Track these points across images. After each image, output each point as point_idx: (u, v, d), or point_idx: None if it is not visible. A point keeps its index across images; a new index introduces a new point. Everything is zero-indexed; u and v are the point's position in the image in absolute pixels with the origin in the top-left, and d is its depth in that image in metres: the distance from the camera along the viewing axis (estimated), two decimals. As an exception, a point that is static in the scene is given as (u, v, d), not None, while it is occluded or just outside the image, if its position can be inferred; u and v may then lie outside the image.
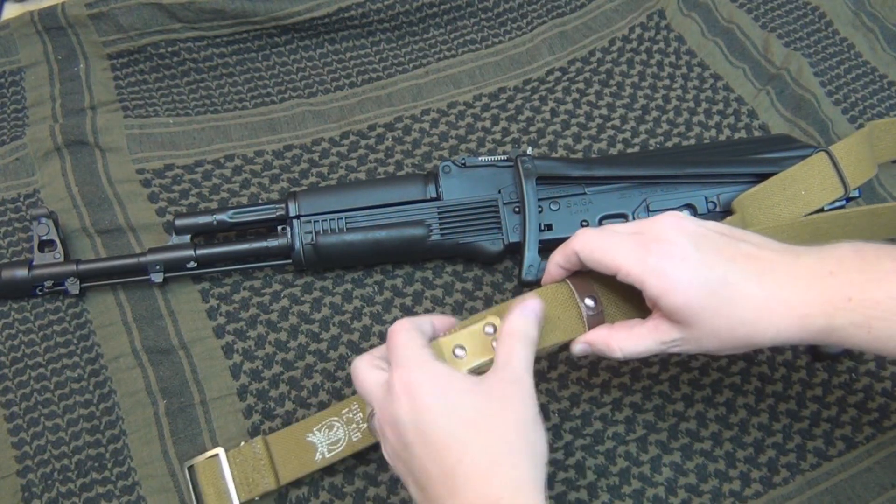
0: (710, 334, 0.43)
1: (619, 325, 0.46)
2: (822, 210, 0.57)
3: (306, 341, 0.59)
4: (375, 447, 0.53)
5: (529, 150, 0.60)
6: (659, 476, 0.54)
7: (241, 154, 0.67)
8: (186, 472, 0.52)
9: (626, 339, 0.45)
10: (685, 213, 0.46)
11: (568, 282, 0.48)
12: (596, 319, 0.47)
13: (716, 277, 0.42)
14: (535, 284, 0.60)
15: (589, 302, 0.47)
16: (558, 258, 0.47)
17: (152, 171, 0.66)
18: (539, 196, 0.58)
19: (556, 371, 0.58)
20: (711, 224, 0.45)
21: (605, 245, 0.44)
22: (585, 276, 0.48)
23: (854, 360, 0.59)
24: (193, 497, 0.52)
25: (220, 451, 0.52)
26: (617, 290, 0.47)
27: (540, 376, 0.58)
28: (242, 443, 0.53)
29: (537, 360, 0.54)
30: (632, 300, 0.47)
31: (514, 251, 0.59)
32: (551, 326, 0.46)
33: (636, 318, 0.46)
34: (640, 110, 0.71)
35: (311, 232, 0.58)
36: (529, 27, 0.76)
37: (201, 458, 0.52)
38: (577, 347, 0.47)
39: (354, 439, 0.51)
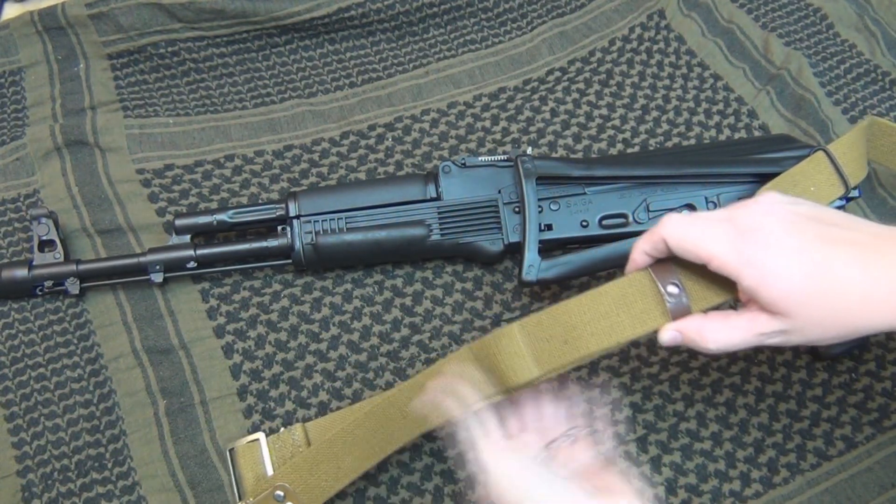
0: (813, 324, 0.40)
1: (714, 314, 0.43)
2: None
3: (306, 341, 0.59)
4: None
5: (529, 150, 0.60)
6: (659, 476, 0.54)
7: (241, 154, 0.67)
8: (228, 454, 0.53)
9: (721, 331, 0.42)
10: (778, 197, 0.43)
11: (649, 269, 0.45)
12: (680, 308, 0.44)
13: (815, 265, 0.40)
14: (534, 284, 0.60)
15: (672, 289, 0.44)
16: (644, 245, 0.45)
17: (152, 171, 0.66)
18: (539, 196, 0.58)
19: (556, 371, 0.58)
20: (803, 207, 0.42)
21: (696, 233, 0.42)
22: (667, 262, 0.45)
23: (854, 360, 0.59)
24: (234, 480, 0.52)
25: (260, 435, 0.52)
26: (702, 276, 0.44)
27: (540, 376, 0.58)
28: (282, 429, 0.53)
29: (611, 355, 0.57)
30: (719, 287, 0.44)
31: (514, 251, 0.59)
32: (631, 318, 0.44)
33: (731, 310, 0.43)
34: (640, 110, 0.71)
35: (311, 232, 0.58)
36: (529, 27, 0.76)
37: (242, 441, 0.53)
38: (667, 335, 0.44)
39: None
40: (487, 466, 0.43)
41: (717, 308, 0.44)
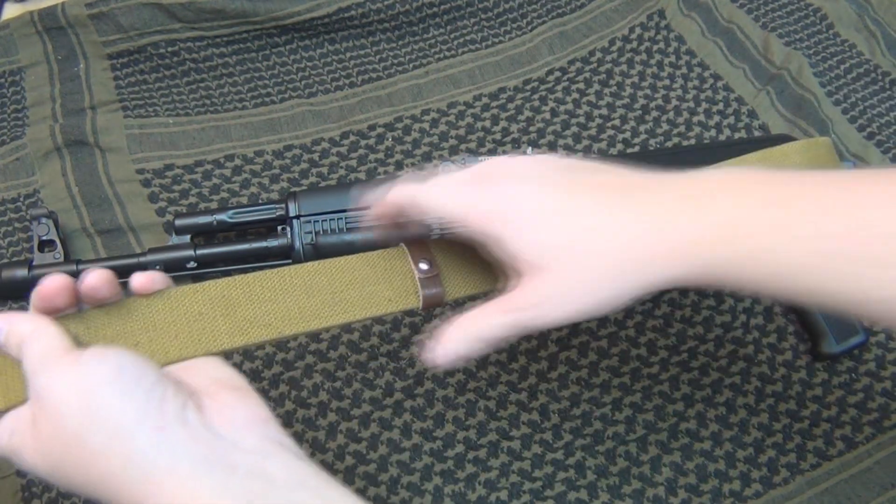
0: (569, 283, 0.35)
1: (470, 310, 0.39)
2: None
3: (306, 341, 0.59)
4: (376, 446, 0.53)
5: (529, 150, 0.60)
6: (659, 476, 0.54)
7: (241, 154, 0.67)
8: None
9: (474, 320, 0.38)
10: (523, 155, 0.40)
11: (403, 245, 0.43)
12: (430, 283, 0.42)
13: (558, 209, 0.36)
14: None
15: (423, 266, 0.42)
16: (378, 210, 0.42)
17: (152, 171, 0.66)
18: (539, 196, 0.58)
19: (556, 371, 0.58)
20: (549, 159, 0.39)
21: (432, 194, 0.39)
22: (423, 242, 0.44)
23: (854, 360, 0.59)
24: None
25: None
26: (457, 255, 0.43)
27: (540, 376, 0.58)
28: None
29: (610, 355, 0.54)
30: (474, 265, 0.43)
31: (514, 251, 0.59)
32: (388, 292, 0.42)
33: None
34: (640, 110, 0.71)
35: (311, 232, 0.58)
36: (529, 27, 0.76)
37: None
38: (441, 355, 0.39)
39: None
40: (39, 381, 0.32)
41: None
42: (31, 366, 0.32)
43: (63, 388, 0.31)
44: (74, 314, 0.37)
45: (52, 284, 0.35)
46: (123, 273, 0.58)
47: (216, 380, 0.35)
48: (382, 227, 0.44)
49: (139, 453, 0.29)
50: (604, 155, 0.68)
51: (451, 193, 0.39)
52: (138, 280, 0.37)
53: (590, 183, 0.37)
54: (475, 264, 0.42)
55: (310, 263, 0.42)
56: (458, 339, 0.38)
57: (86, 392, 0.30)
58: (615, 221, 0.35)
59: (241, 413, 0.33)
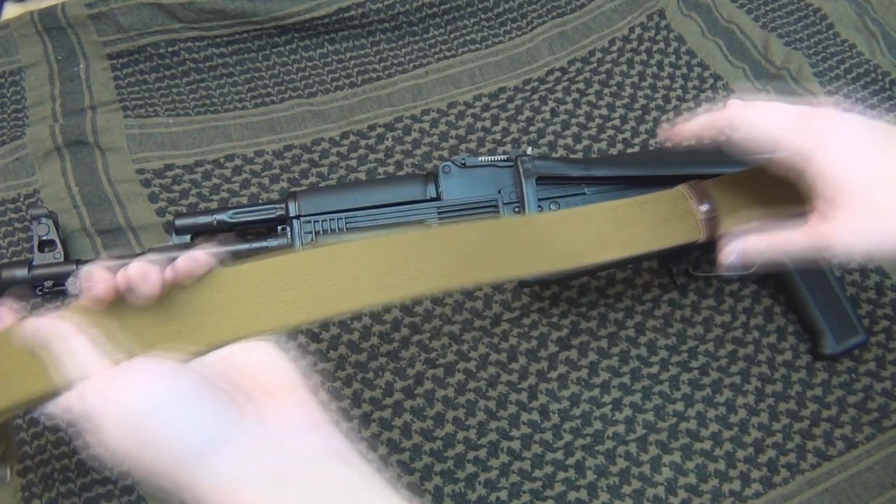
0: (875, 220, 0.38)
1: (769, 228, 0.43)
2: None
3: (306, 341, 0.59)
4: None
5: (529, 150, 0.60)
6: (659, 476, 0.54)
7: (241, 154, 0.67)
8: None
9: (780, 235, 0.42)
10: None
11: (683, 188, 0.49)
12: (711, 224, 0.48)
13: (875, 145, 0.38)
14: (534, 284, 0.60)
15: (704, 207, 0.48)
16: (705, 120, 0.44)
17: (152, 171, 0.66)
18: (539, 196, 0.58)
19: (556, 371, 0.58)
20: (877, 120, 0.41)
21: (765, 112, 0.41)
22: (699, 184, 0.49)
23: (854, 360, 0.59)
24: None
25: None
26: (736, 195, 0.48)
27: (540, 376, 0.58)
28: None
29: (610, 355, 0.57)
30: (752, 205, 0.47)
31: (514, 251, 0.59)
32: (672, 228, 0.47)
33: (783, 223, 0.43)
34: (640, 110, 0.71)
35: (311, 232, 0.58)
36: (529, 27, 0.76)
37: None
38: (731, 258, 0.44)
39: None
40: (95, 403, 0.32)
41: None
42: (79, 376, 0.33)
43: (110, 417, 0.31)
44: (116, 307, 0.36)
45: (101, 281, 0.35)
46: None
47: (272, 376, 0.35)
48: (695, 134, 0.46)
49: (198, 475, 0.30)
50: (603, 155, 0.68)
51: (772, 112, 0.41)
52: (182, 265, 0.36)
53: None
54: (750, 202, 0.47)
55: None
56: (761, 247, 0.43)
57: (154, 407, 0.31)
58: None
59: (295, 418, 0.33)
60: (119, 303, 0.36)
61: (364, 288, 0.38)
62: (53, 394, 0.34)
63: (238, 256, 0.59)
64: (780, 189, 0.45)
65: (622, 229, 0.47)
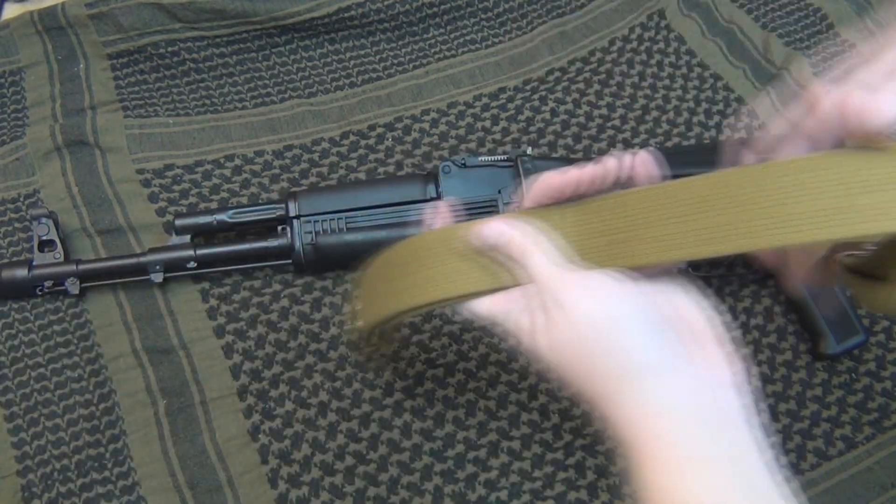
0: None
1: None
2: None
3: (306, 341, 0.59)
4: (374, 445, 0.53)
5: (529, 150, 0.60)
6: (659, 476, 0.54)
7: (241, 154, 0.67)
8: None
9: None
10: None
11: None
12: None
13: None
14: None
15: None
16: (797, 111, 0.35)
17: (152, 171, 0.66)
18: (539, 196, 0.58)
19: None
20: None
21: (877, 101, 0.31)
22: None
23: (854, 360, 0.59)
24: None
25: None
26: None
27: (540, 376, 0.58)
28: None
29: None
30: None
31: (514, 251, 0.59)
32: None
33: None
34: (640, 110, 0.71)
35: (311, 232, 0.58)
36: (529, 27, 0.76)
37: None
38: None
39: None
40: (556, 295, 0.34)
41: None
42: (540, 277, 0.35)
43: (591, 309, 0.33)
44: (560, 211, 0.37)
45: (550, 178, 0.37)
46: (124, 273, 0.58)
47: (702, 324, 0.35)
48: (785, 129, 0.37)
49: (645, 390, 0.32)
50: (603, 155, 0.68)
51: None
52: (635, 166, 0.37)
53: None
54: None
55: None
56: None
57: (615, 320, 0.33)
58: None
59: (726, 376, 0.33)
60: (558, 208, 0.37)
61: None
62: (496, 289, 0.38)
63: (238, 256, 0.59)
64: None
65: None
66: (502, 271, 0.38)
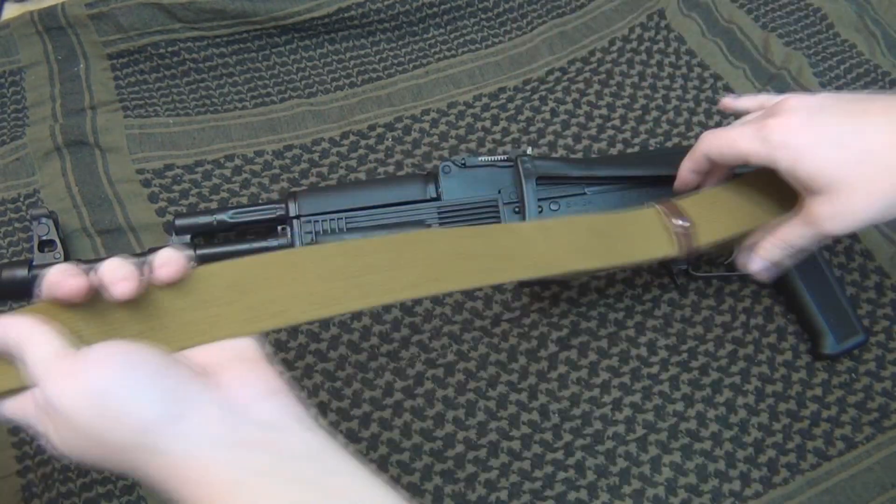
0: (857, 193, 0.42)
1: (768, 229, 0.47)
2: None
3: (306, 341, 0.59)
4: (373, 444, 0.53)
5: (529, 150, 0.60)
6: (659, 476, 0.54)
7: (241, 154, 0.67)
8: None
9: (784, 232, 0.46)
10: (799, 95, 0.46)
11: (656, 206, 0.50)
12: (686, 238, 0.49)
13: (843, 132, 0.42)
14: (535, 284, 0.60)
15: (679, 222, 0.49)
16: (688, 164, 0.50)
17: (152, 171, 0.66)
18: (539, 196, 0.58)
19: (556, 371, 0.58)
20: (823, 95, 0.45)
21: (729, 139, 0.46)
22: (672, 202, 0.50)
23: (854, 360, 0.59)
24: None
25: None
26: (710, 210, 0.50)
27: (540, 376, 0.58)
28: None
29: (610, 355, 0.58)
30: (727, 218, 0.50)
31: (514, 251, 0.59)
32: (648, 243, 0.49)
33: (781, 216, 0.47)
34: (640, 110, 0.71)
35: (311, 232, 0.58)
36: (529, 27, 0.76)
37: None
38: (757, 267, 0.49)
39: None
40: (46, 391, 0.31)
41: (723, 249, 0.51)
42: (34, 372, 0.32)
43: (73, 398, 0.31)
44: (85, 307, 0.35)
45: (58, 276, 0.33)
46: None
47: (230, 352, 0.35)
48: (695, 176, 0.51)
49: (160, 445, 0.30)
50: (603, 155, 0.68)
51: (741, 134, 0.45)
52: (164, 273, 0.35)
53: (874, 109, 0.42)
54: (722, 214, 0.50)
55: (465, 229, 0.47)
56: (772, 248, 0.47)
57: (97, 397, 0.30)
58: (890, 140, 0.41)
59: (255, 387, 0.33)
60: (88, 300, 0.34)
61: (331, 296, 0.38)
62: (13, 391, 0.34)
63: (238, 256, 0.59)
64: (755, 200, 0.50)
65: (602, 239, 0.48)
66: (11, 369, 0.33)
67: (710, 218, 0.50)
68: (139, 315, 0.35)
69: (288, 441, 0.32)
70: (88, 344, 0.33)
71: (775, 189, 0.48)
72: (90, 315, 0.34)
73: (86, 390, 0.31)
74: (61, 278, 0.33)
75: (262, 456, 0.31)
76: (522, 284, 0.59)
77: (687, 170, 0.51)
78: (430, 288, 0.40)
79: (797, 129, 0.43)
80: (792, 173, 0.43)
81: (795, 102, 0.44)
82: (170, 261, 0.35)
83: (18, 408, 0.34)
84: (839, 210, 0.43)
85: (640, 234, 0.49)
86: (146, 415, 0.30)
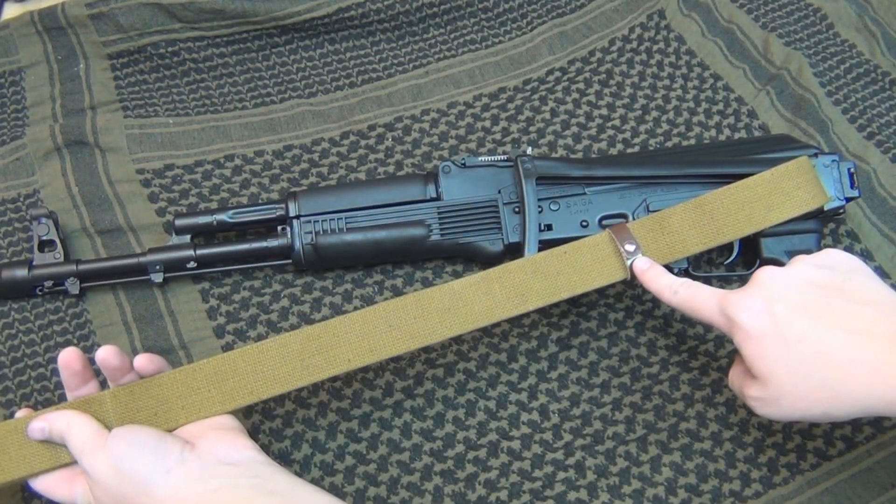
0: (789, 394, 0.42)
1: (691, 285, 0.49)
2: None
3: (306, 341, 0.59)
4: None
5: (529, 150, 0.60)
6: (659, 476, 0.54)
7: (241, 154, 0.67)
8: None
9: (689, 295, 0.48)
10: (805, 264, 0.45)
11: (607, 232, 0.53)
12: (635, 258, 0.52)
13: (793, 331, 0.42)
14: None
15: (629, 246, 0.52)
16: (666, 284, 0.50)
17: (152, 171, 0.66)
18: (539, 196, 0.58)
19: (557, 371, 0.58)
20: (826, 275, 0.44)
21: (695, 303, 0.47)
22: (624, 226, 0.54)
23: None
24: None
25: None
26: (661, 234, 0.54)
27: (540, 376, 0.58)
28: None
29: (610, 355, 0.59)
30: (675, 240, 0.54)
31: (514, 251, 0.59)
32: (596, 271, 0.52)
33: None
34: (640, 110, 0.71)
35: (311, 232, 0.58)
36: (529, 27, 0.76)
37: None
38: (639, 262, 0.52)
39: None
40: (92, 460, 0.44)
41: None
42: (75, 451, 0.45)
43: (101, 466, 0.44)
44: (98, 397, 0.47)
45: (71, 363, 0.48)
46: (124, 273, 0.58)
47: (210, 425, 0.47)
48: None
49: (155, 491, 0.42)
50: (603, 155, 0.68)
51: (700, 298, 0.47)
52: (138, 363, 0.48)
53: (840, 310, 0.42)
54: (669, 237, 0.54)
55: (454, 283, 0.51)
56: (670, 291, 0.49)
57: (114, 464, 0.43)
58: (845, 351, 0.41)
59: (225, 446, 0.45)
60: (110, 393, 0.47)
61: (287, 374, 0.48)
62: (57, 466, 0.47)
63: (238, 256, 0.59)
64: (704, 222, 0.54)
65: (542, 280, 0.51)
66: (59, 450, 0.47)
67: (657, 240, 0.53)
68: (149, 404, 0.47)
69: (239, 470, 0.44)
70: (113, 426, 0.46)
71: (727, 212, 0.53)
72: (113, 405, 0.47)
73: (110, 459, 0.44)
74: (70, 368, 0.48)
75: (219, 480, 0.43)
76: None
77: (666, 287, 0.51)
78: (365, 359, 0.49)
79: (754, 312, 0.43)
80: (739, 349, 0.44)
81: (768, 281, 0.45)
82: (144, 366, 0.49)
83: (52, 485, 0.47)
84: (766, 401, 0.44)
85: (588, 264, 0.52)
86: (144, 470, 0.43)
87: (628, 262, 0.52)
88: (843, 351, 0.40)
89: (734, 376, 0.47)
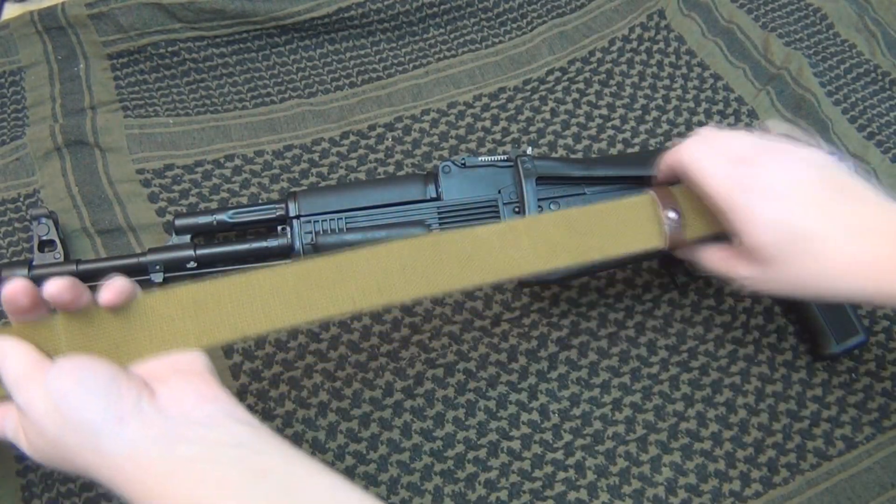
0: (784, 280, 0.43)
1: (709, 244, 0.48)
2: None
3: (306, 341, 0.59)
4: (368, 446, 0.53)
5: (529, 150, 0.60)
6: (659, 476, 0.54)
7: (241, 154, 0.67)
8: None
9: (707, 252, 0.48)
10: (815, 152, 0.44)
11: (651, 193, 0.49)
12: (676, 231, 0.48)
13: (801, 227, 0.41)
14: (535, 284, 0.60)
15: (671, 214, 0.48)
16: (668, 160, 0.49)
17: (152, 171, 0.66)
18: (539, 196, 0.58)
19: (556, 371, 0.58)
20: (832, 172, 0.43)
21: (703, 169, 0.45)
22: (669, 190, 0.49)
23: (854, 360, 0.59)
24: None
25: None
26: (700, 207, 0.48)
27: (540, 376, 0.58)
28: None
29: (610, 355, 0.57)
30: (713, 220, 0.48)
31: (514, 251, 0.59)
32: (633, 235, 0.48)
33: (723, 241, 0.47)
34: (640, 110, 0.71)
35: (311, 232, 0.58)
36: (529, 27, 0.76)
37: None
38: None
39: None
40: (18, 398, 0.37)
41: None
42: (8, 383, 0.37)
43: (38, 404, 0.36)
44: (48, 321, 0.39)
45: (11, 288, 0.38)
46: (124, 273, 0.58)
47: (172, 367, 0.39)
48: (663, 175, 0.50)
49: (105, 445, 0.35)
50: (603, 155, 0.68)
51: (711, 163, 0.44)
52: (105, 297, 0.40)
53: (845, 210, 0.42)
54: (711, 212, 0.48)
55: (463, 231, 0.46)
56: (687, 251, 0.49)
57: (56, 403, 0.35)
58: (848, 247, 0.41)
59: (191, 395, 0.37)
60: (63, 317, 0.39)
61: (280, 310, 0.42)
62: None
63: (238, 256, 0.59)
64: None
65: (574, 237, 0.47)
66: None
67: (699, 212, 0.48)
68: (108, 333, 0.40)
69: (217, 433, 0.36)
70: (63, 354, 0.38)
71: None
72: (66, 332, 0.39)
73: (49, 396, 0.36)
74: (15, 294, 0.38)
75: (191, 447, 0.35)
76: (522, 284, 0.59)
77: (665, 164, 0.50)
78: (372, 300, 0.43)
79: (767, 200, 0.42)
80: (738, 233, 0.43)
81: (779, 171, 0.43)
82: (114, 287, 0.40)
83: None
84: (758, 281, 0.44)
85: (625, 227, 0.48)
86: (93, 417, 0.35)
87: (668, 230, 0.47)
88: (846, 248, 0.41)
89: (719, 259, 0.47)
